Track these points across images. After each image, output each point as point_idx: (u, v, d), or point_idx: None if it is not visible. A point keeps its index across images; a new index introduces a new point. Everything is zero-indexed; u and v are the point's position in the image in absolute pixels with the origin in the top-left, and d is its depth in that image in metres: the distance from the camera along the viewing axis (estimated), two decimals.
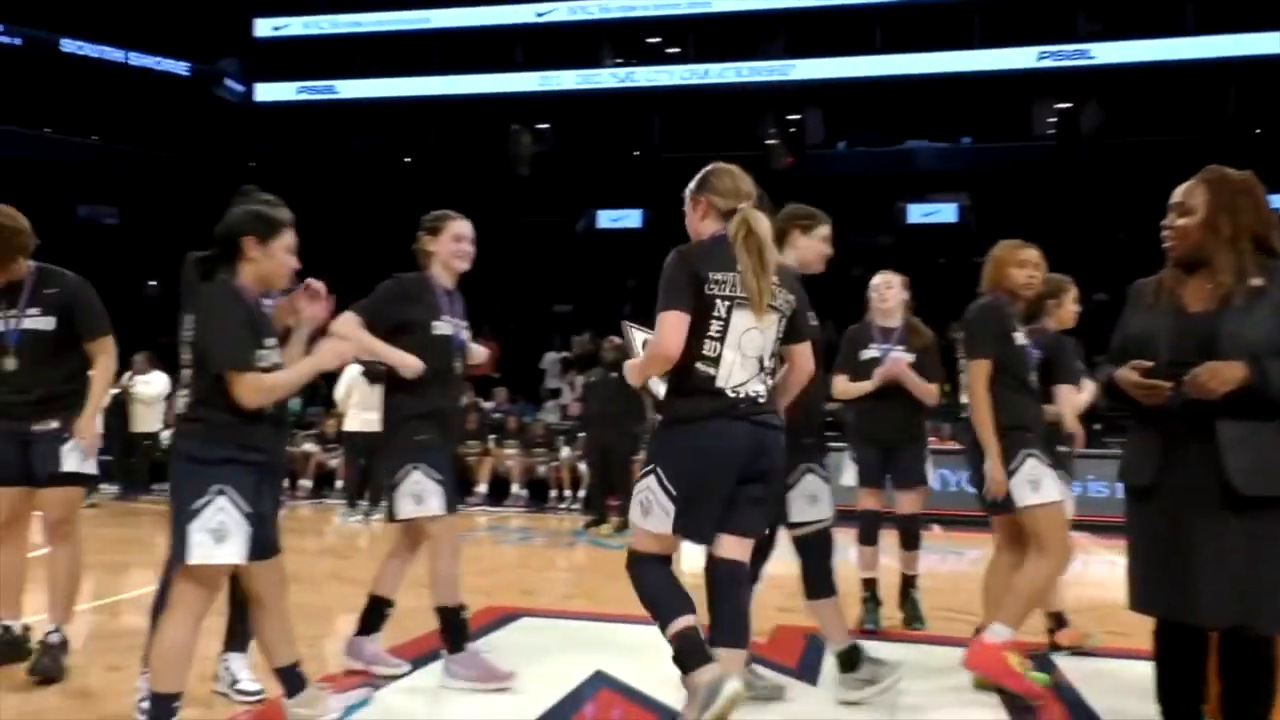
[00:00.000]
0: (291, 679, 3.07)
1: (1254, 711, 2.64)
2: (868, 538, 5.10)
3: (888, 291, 5.18)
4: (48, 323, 3.89)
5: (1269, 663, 2.63)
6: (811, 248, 3.72)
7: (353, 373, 9.52)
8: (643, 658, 4.37)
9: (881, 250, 22.77)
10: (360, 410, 9.59)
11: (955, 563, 8.00)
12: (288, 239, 3.01)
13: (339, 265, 22.68)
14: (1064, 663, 4.30)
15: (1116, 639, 4.69)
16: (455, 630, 3.78)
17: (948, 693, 3.87)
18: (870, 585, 5.04)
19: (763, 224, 2.98)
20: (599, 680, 3.91)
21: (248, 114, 25.86)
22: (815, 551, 3.69)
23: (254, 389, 2.83)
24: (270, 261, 2.96)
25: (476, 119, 24.98)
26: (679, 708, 3.50)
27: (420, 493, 3.66)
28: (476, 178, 23.48)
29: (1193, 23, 21.03)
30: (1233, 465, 2.52)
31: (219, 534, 2.78)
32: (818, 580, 3.69)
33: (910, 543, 5.13)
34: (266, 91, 25.82)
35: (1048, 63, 21.52)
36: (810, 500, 3.66)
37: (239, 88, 25.78)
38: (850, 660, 3.66)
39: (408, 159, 25.92)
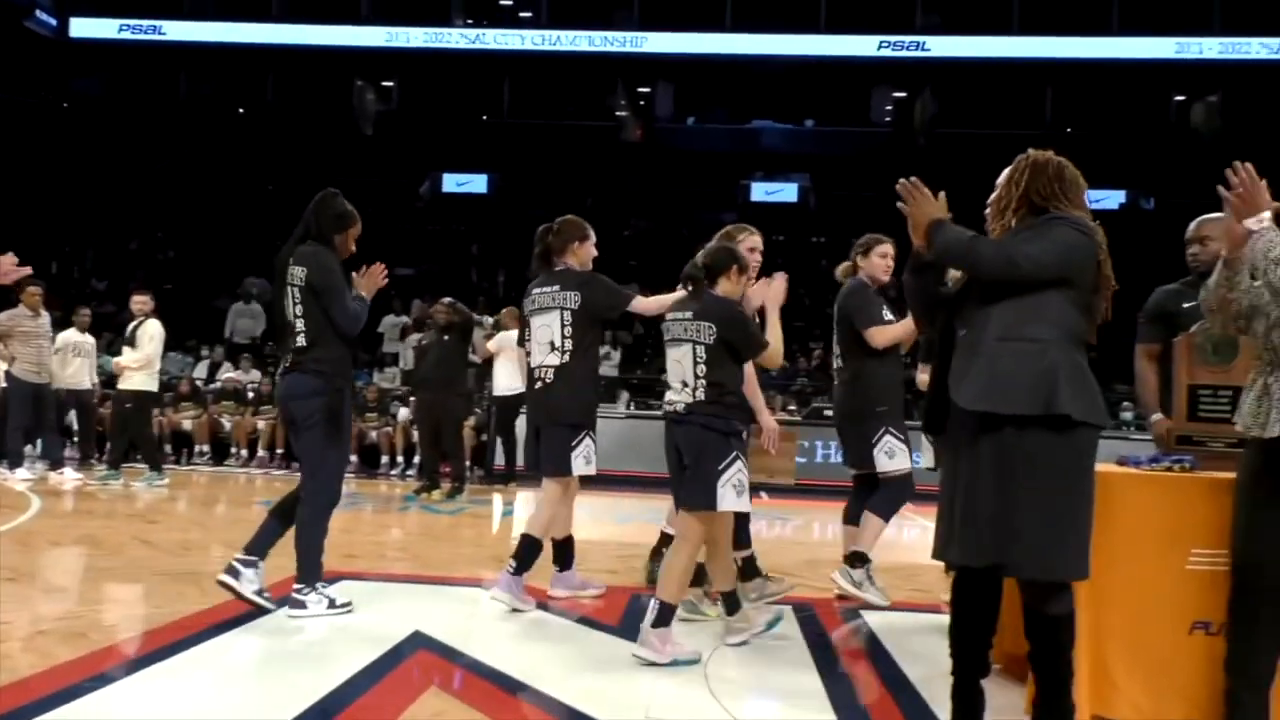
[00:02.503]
0: (731, 601, 3.97)
1: (1051, 660, 2.69)
2: None
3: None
4: None
5: (1056, 619, 2.65)
6: (873, 265, 4.78)
7: None
8: (464, 617, 4.34)
9: (726, 226, 23.28)
10: None
11: (780, 529, 8.28)
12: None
13: (165, 219, 21.45)
14: (871, 618, 4.51)
15: (919, 595, 4.96)
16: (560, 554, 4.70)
17: (762, 650, 3.99)
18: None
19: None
20: (417, 640, 3.84)
21: (62, 50, 23.88)
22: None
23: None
24: (736, 288, 3.93)
25: (318, 72, 23.91)
26: (496, 665, 3.50)
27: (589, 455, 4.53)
28: (317, 133, 22.52)
29: (1018, 23, 22.22)
30: (956, 389, 2.70)
31: (739, 489, 3.74)
32: None
33: None
34: (83, 27, 23.86)
35: (887, 52, 22.29)
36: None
37: (51, 21, 23.75)
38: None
39: (241, 110, 24.60)
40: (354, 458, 11.45)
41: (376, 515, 8.23)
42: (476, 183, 22.34)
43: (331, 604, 4.11)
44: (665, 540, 5.17)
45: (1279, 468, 2.60)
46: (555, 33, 22.85)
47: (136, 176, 22.36)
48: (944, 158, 21.21)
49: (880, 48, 22.25)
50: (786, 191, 22.43)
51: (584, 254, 4.60)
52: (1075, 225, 2.70)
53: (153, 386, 9.14)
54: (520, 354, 10.72)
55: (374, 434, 11.57)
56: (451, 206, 21.98)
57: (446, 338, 9.20)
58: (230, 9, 23.70)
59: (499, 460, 10.55)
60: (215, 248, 19.73)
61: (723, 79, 23.48)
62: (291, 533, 4.11)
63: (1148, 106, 22.74)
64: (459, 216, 21.49)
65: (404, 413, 11.68)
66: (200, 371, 13.76)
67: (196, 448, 11.71)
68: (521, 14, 24.06)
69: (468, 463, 10.77)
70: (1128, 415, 12.24)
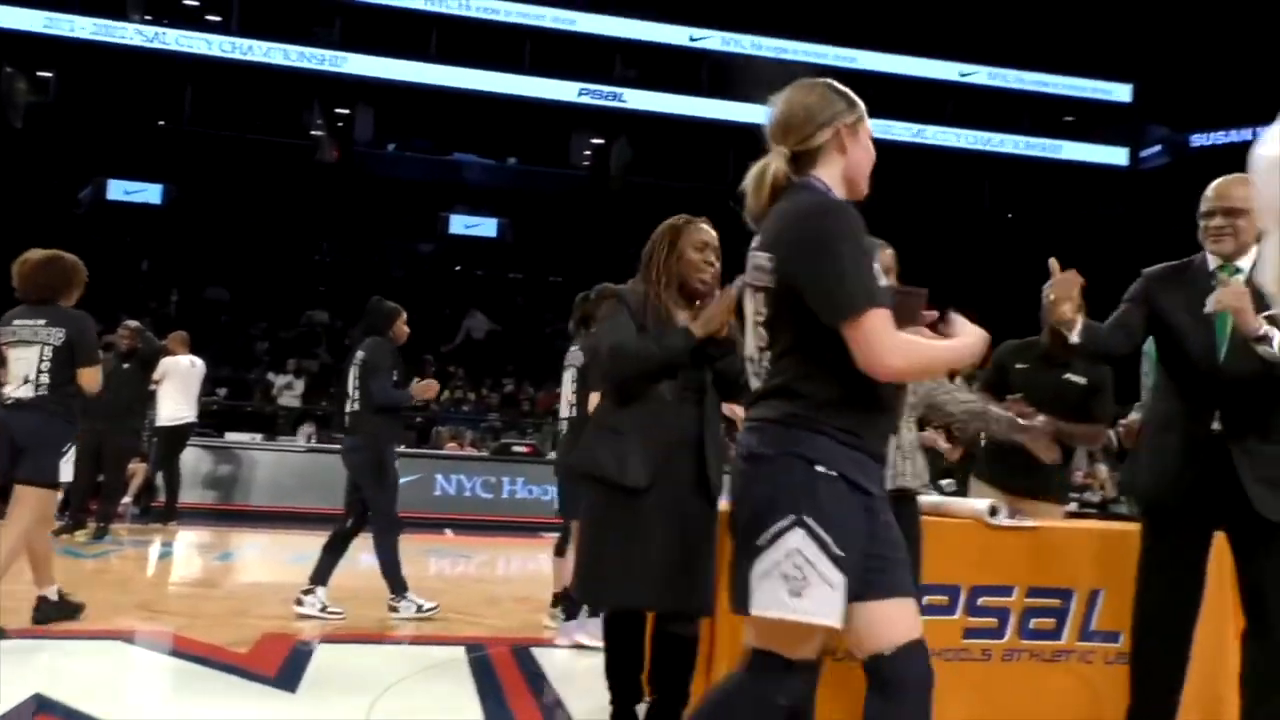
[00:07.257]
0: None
1: (678, 681, 3.02)
2: None
3: None
4: None
5: (689, 641, 3.02)
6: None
7: None
8: (95, 676, 3.94)
9: (422, 257, 23.00)
10: None
11: (465, 566, 8.23)
12: None
13: None
14: (540, 656, 4.60)
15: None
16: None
17: (429, 690, 3.94)
18: None
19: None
20: (35, 703, 3.42)
21: None
22: None
23: None
24: None
25: None
26: None
27: None
28: None
29: (707, 86, 23.86)
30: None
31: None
32: None
33: None
34: None
35: (586, 99, 23.13)
36: None
37: None
38: None
39: None
40: None
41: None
42: (150, 192, 20.55)
43: (419, 608, 5.09)
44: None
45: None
46: (247, 41, 21.61)
47: None
48: (636, 205, 22.29)
49: (580, 94, 23.05)
50: (486, 226, 22.55)
51: None
52: None
53: None
54: (190, 380, 9.93)
55: None
56: (118, 216, 20.03)
57: (126, 366, 8.37)
58: None
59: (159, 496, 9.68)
60: None
61: (426, 108, 23.25)
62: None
63: None
64: (126, 228, 19.62)
65: None
66: None
67: None
68: (209, 17, 22.56)
69: (128, 499, 9.79)
70: None
